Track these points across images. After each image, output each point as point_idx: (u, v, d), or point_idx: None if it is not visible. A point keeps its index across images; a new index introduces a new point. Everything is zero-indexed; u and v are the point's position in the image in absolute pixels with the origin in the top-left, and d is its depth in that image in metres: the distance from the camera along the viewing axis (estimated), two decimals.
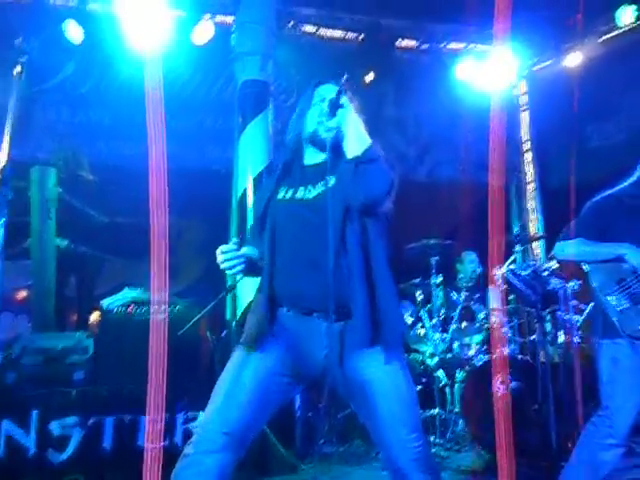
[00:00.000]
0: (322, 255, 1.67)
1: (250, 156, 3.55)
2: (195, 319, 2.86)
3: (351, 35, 5.82)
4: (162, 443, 2.97)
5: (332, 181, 1.79)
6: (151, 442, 2.61)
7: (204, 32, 4.69)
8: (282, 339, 1.74)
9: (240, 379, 1.70)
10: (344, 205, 1.71)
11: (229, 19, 4.81)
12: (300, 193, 1.84)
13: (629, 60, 5.13)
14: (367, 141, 1.76)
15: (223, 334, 3.39)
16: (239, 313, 3.25)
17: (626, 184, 2.50)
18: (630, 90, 5.31)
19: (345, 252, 1.69)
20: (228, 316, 3.24)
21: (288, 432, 3.54)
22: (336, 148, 1.80)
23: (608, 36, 5.48)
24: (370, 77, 5.69)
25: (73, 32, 4.34)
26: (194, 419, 2.90)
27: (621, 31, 5.28)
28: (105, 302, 3.30)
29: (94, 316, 3.64)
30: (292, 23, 5.70)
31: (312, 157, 1.92)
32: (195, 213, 4.38)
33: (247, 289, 3.28)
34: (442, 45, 6.08)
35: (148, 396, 2.23)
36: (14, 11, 4.12)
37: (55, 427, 2.84)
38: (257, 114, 3.56)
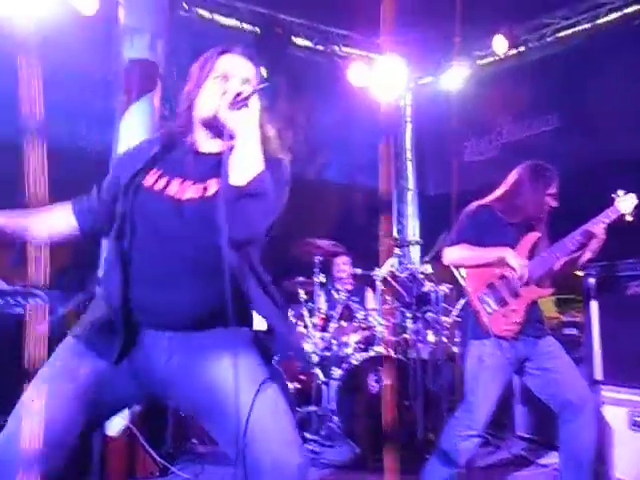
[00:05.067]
0: (183, 270, 1.42)
1: (132, 139, 3.27)
2: None
3: (247, 26, 5.72)
4: None
5: (212, 189, 1.46)
6: None
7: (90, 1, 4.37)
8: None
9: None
10: (217, 230, 1.36)
11: None
12: (173, 187, 1.48)
13: (501, 84, 5.62)
14: (255, 169, 1.40)
15: None
16: None
17: (492, 198, 2.73)
18: (501, 112, 5.82)
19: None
20: None
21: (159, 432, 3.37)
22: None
23: (485, 61, 5.96)
24: (264, 71, 5.63)
25: None
26: None
27: (497, 58, 5.76)
28: None
29: None
30: (186, 6, 5.49)
31: (201, 143, 1.57)
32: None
33: None
34: (337, 48, 6.20)
35: None
36: None
37: None
38: (143, 94, 3.31)
